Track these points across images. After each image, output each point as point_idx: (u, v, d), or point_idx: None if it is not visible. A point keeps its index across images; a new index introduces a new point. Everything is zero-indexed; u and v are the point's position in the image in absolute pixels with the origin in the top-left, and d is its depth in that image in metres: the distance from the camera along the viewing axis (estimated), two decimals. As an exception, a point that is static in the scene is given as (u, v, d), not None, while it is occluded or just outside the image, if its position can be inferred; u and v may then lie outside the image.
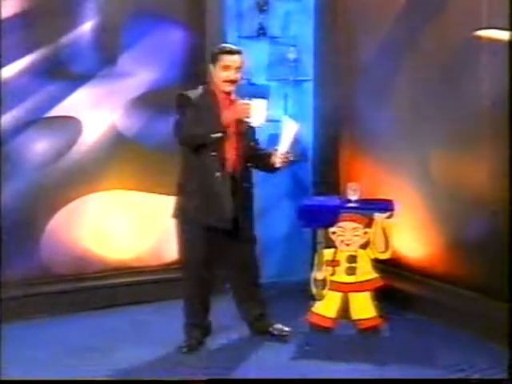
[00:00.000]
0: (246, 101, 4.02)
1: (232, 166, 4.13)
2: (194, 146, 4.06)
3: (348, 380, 3.87)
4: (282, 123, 4.23)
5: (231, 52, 4.10)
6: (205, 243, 4.14)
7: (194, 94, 4.12)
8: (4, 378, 3.78)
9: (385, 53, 5.16)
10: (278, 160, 4.15)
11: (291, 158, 4.21)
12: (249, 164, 4.23)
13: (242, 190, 4.17)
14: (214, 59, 4.11)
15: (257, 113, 4.03)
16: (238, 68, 4.09)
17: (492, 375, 3.84)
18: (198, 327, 4.26)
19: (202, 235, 4.13)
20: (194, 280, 4.20)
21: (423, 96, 4.84)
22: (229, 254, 4.31)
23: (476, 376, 3.84)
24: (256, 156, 4.26)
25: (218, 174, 4.06)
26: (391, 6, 5.07)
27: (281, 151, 4.16)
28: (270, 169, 4.25)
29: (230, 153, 4.13)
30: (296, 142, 4.30)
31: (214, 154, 4.05)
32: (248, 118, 4.03)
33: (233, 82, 4.08)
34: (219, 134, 4.00)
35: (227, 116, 4.04)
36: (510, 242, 4.19)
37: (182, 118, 4.08)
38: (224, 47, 4.18)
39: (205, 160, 4.06)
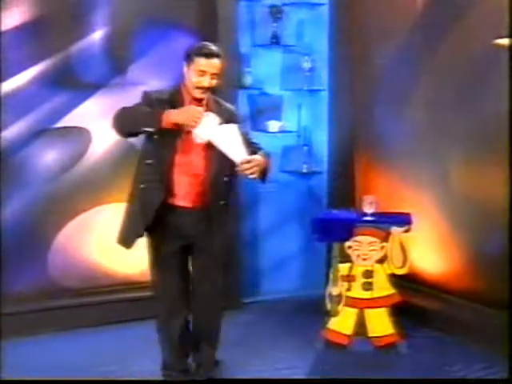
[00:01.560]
0: (199, 108, 3.55)
1: (183, 176, 3.64)
2: (121, 130, 3.63)
3: (347, 380, 3.91)
4: (219, 132, 3.50)
5: (209, 55, 3.56)
6: (164, 261, 3.81)
7: (159, 93, 3.72)
8: (4, 378, 3.81)
9: (401, 62, 5.15)
10: (245, 172, 3.51)
11: (257, 164, 3.53)
12: (225, 179, 3.68)
13: (208, 206, 3.67)
14: (189, 60, 3.60)
15: (206, 128, 3.48)
16: (215, 74, 3.58)
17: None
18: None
19: (164, 256, 3.80)
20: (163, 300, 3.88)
21: (441, 106, 4.83)
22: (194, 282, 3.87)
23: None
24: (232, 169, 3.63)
25: (142, 185, 3.66)
26: (408, 13, 5.06)
27: (239, 163, 3.50)
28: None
29: (184, 160, 3.63)
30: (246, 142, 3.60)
31: (148, 161, 3.64)
32: (193, 127, 3.48)
33: (206, 88, 3.60)
34: (150, 129, 3.52)
35: (170, 116, 3.50)
36: (510, 248, 4.19)
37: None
38: (201, 48, 3.62)
39: (138, 167, 3.72)
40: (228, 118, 3.65)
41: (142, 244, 4.22)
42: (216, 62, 3.58)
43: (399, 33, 5.15)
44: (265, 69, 5.50)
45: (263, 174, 3.67)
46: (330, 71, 5.67)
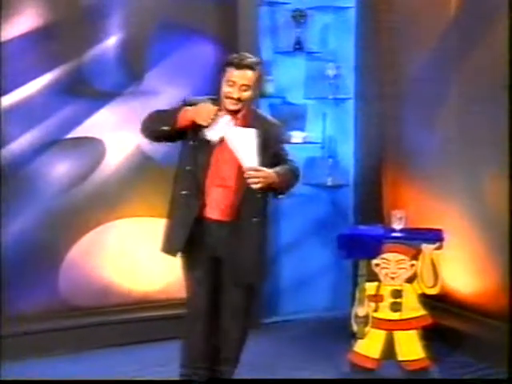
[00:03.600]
0: (213, 106, 3.58)
1: (215, 186, 3.68)
2: (144, 131, 3.71)
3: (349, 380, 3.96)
4: (227, 133, 3.55)
5: (239, 66, 3.58)
6: (197, 280, 3.79)
7: (198, 100, 3.72)
8: (4, 378, 3.86)
9: (432, 69, 5.14)
10: (248, 181, 3.54)
11: (264, 176, 3.54)
12: (258, 195, 3.66)
13: (239, 221, 3.68)
14: (222, 70, 3.66)
15: (219, 128, 3.53)
16: (246, 86, 3.59)
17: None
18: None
19: (192, 268, 3.79)
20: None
21: (474, 116, 4.80)
22: (220, 298, 3.85)
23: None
24: None
25: (183, 192, 3.69)
26: (440, 18, 5.04)
27: (246, 169, 3.52)
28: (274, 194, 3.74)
29: (217, 170, 3.65)
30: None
31: (188, 167, 3.67)
32: (198, 122, 3.54)
33: (237, 100, 3.61)
34: (166, 127, 3.59)
35: (186, 113, 3.58)
36: (510, 254, 4.19)
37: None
38: (233, 58, 3.65)
39: (178, 173, 3.76)
40: (264, 132, 3.62)
41: (160, 260, 4.22)
42: (247, 73, 3.59)
43: (430, 39, 5.15)
44: (287, 76, 5.52)
45: (272, 189, 3.66)
46: (356, 79, 5.66)
